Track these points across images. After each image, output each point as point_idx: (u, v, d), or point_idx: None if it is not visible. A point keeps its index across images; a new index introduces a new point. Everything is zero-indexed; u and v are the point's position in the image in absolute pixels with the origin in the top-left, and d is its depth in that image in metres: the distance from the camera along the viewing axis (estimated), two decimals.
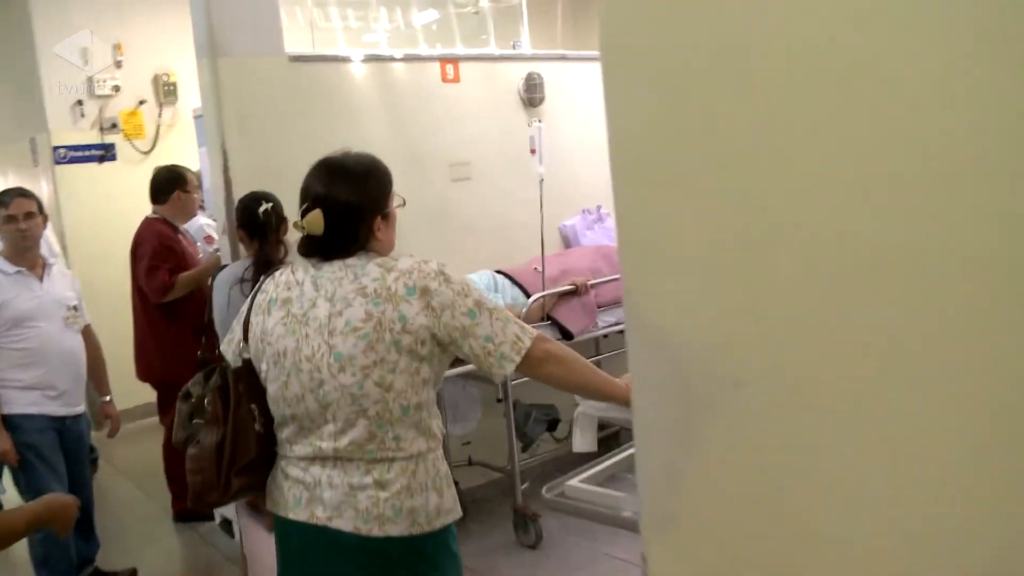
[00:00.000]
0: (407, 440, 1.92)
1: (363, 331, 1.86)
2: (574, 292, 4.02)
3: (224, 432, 2.00)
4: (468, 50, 4.40)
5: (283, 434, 1.98)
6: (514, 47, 4.51)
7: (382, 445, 1.90)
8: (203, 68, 3.64)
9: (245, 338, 2.01)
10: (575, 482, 2.35)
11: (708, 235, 1.05)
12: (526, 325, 2.00)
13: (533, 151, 3.80)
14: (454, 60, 4.23)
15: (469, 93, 4.32)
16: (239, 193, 3.59)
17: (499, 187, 4.40)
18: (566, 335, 3.97)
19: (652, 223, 1.16)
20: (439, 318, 1.89)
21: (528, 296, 3.98)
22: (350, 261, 1.94)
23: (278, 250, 2.97)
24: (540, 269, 4.06)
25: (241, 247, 3.20)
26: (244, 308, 2.07)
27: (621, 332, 3.91)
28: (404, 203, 2.11)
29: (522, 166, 4.43)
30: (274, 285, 2.00)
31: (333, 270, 1.93)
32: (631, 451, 2.51)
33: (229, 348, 2.09)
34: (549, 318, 3.98)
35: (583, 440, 2.33)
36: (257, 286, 2.06)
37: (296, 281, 1.97)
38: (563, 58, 4.70)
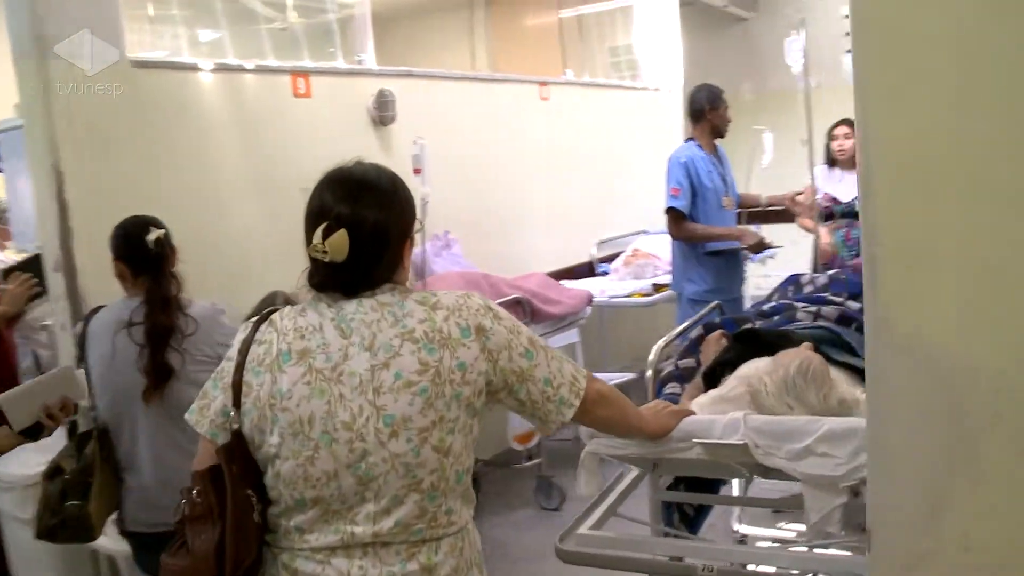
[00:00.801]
0: (457, 512, 1.62)
1: (419, 385, 1.54)
2: None
3: (222, 528, 1.56)
4: (320, 63, 4.02)
5: (291, 522, 1.58)
6: (360, 62, 4.19)
7: (433, 522, 1.58)
8: (24, 70, 3.02)
9: (236, 403, 1.59)
10: (586, 530, 2.16)
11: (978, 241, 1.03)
12: (574, 361, 1.78)
13: (417, 170, 3.53)
14: (305, 74, 3.85)
15: (321, 110, 3.95)
16: (78, 219, 3.02)
17: None
18: None
19: (915, 228, 1.12)
20: (496, 362, 1.61)
21: None
22: (382, 298, 1.60)
23: (172, 285, 2.49)
24: None
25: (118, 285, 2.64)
26: (226, 365, 1.64)
27: None
28: (423, 227, 1.81)
29: None
30: (277, 333, 1.59)
31: (364, 310, 1.58)
32: (626, 484, 2.39)
33: (204, 417, 1.65)
34: None
35: (589, 483, 2.13)
36: (247, 334, 1.63)
37: (313, 326, 1.57)
38: (409, 75, 4.45)
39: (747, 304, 4.59)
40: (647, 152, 6.63)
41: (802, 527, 2.86)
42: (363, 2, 4.28)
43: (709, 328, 2.98)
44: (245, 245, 3.61)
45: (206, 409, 1.65)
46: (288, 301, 3.50)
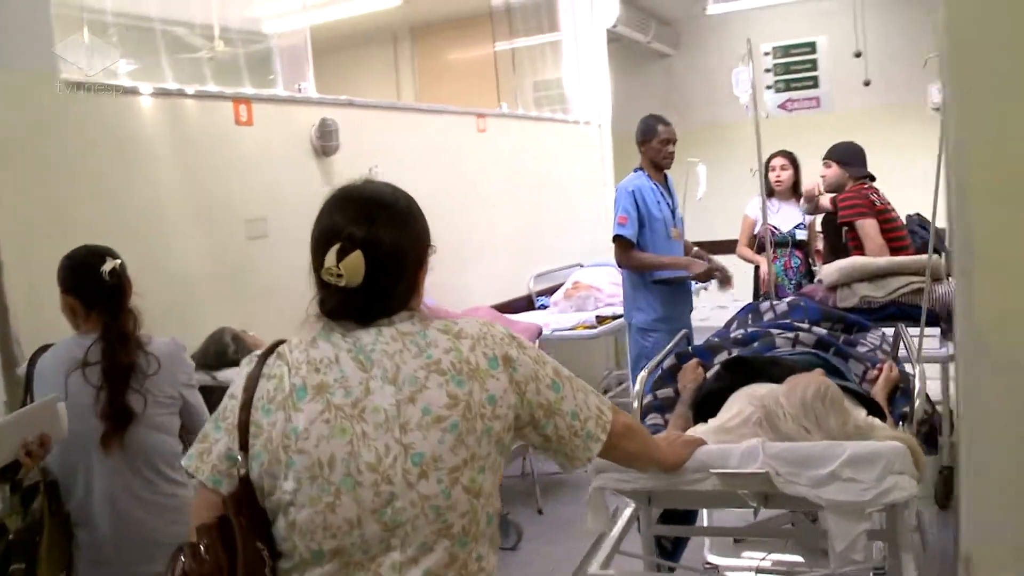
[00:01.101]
0: (486, 559, 1.48)
1: (449, 420, 1.40)
2: None
3: None
4: (261, 90, 3.85)
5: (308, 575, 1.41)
6: (300, 90, 4.04)
7: (464, 570, 1.43)
8: None
9: (243, 446, 1.42)
10: (596, 569, 2.04)
11: None
12: (596, 391, 1.67)
13: None
14: (247, 100, 3.68)
15: (263, 138, 3.78)
16: (8, 252, 2.78)
17: (298, 246, 3.87)
18: None
19: (1013, 244, 1.10)
20: (523, 395, 1.49)
21: None
22: (402, 326, 1.47)
23: (129, 320, 2.28)
24: None
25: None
26: (229, 404, 1.47)
27: None
28: (435, 249, 1.68)
29: None
30: (288, 366, 1.43)
31: (384, 340, 1.44)
32: (626, 520, 2.28)
33: (204, 463, 1.47)
34: None
35: (597, 519, 2.02)
36: (253, 368, 1.46)
37: (328, 358, 1.43)
38: (350, 104, 4.31)
39: (698, 334, 4.57)
40: (578, 185, 6.64)
41: (762, 554, 2.81)
42: (302, 30, 4.14)
43: (681, 357, 2.92)
44: (186, 278, 3.39)
45: (207, 454, 1.47)
46: (236, 338, 3.32)
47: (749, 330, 3.07)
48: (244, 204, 3.66)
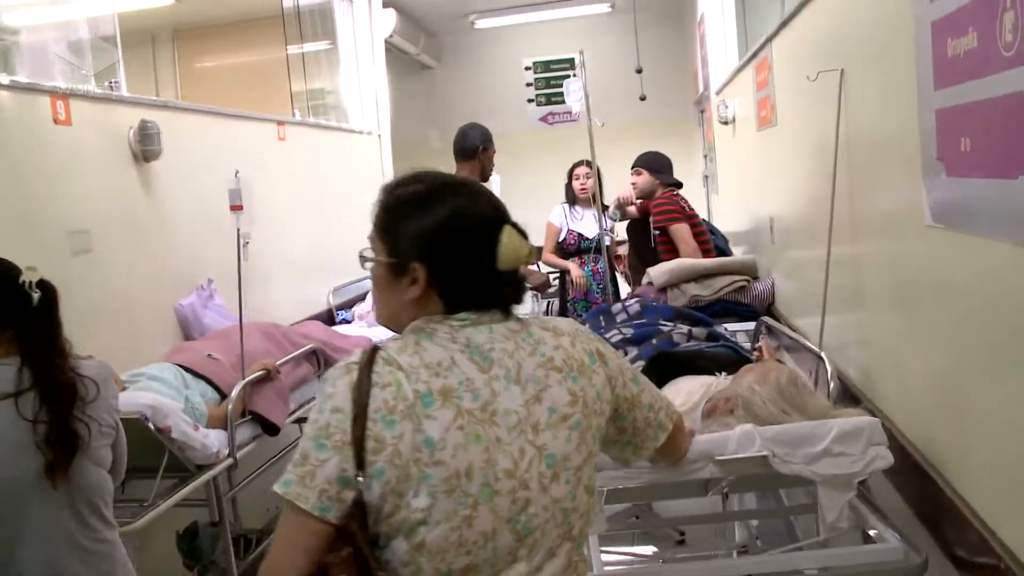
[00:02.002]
0: (584, 558, 1.46)
1: (573, 418, 1.37)
2: (267, 378, 3.37)
3: None
4: (83, 86, 3.41)
5: None
6: (112, 87, 3.62)
7: (575, 572, 1.40)
8: None
9: (360, 464, 1.25)
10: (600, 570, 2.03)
11: None
12: None
13: (236, 207, 3.11)
14: (65, 96, 3.24)
15: (83, 141, 3.34)
16: None
17: (120, 261, 3.48)
18: (270, 430, 3.31)
19: None
20: (614, 388, 1.50)
21: (217, 389, 3.22)
22: (508, 324, 1.41)
23: (60, 339, 1.95)
24: (215, 356, 3.35)
25: None
26: (332, 419, 1.27)
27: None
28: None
29: (139, 235, 3.62)
30: (403, 372, 1.30)
31: (498, 339, 1.37)
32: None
33: (309, 488, 1.26)
34: (248, 412, 3.26)
35: (597, 522, 2.01)
36: (357, 377, 1.30)
37: (443, 360, 1.32)
38: (165, 106, 3.93)
39: None
40: (366, 196, 6.51)
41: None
42: (110, 17, 3.71)
43: None
44: None
45: (310, 477, 1.26)
46: None
47: (638, 327, 3.19)
48: (66, 214, 3.21)
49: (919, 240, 1.95)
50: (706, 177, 7.52)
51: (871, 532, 1.98)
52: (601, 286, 5.30)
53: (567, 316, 5.32)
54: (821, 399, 2.19)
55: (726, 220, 5.87)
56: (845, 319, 2.67)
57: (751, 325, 3.70)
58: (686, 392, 2.39)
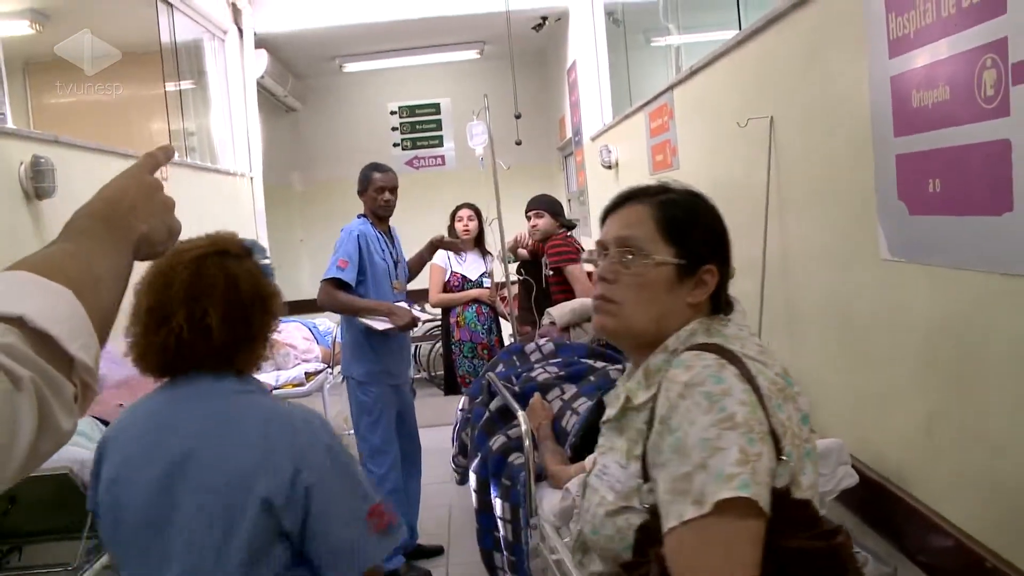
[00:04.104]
0: None
1: None
2: None
3: None
4: None
5: None
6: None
7: None
8: None
9: (779, 451, 1.18)
10: None
11: None
12: None
13: None
14: None
15: None
16: None
17: None
18: None
19: None
20: None
21: None
22: None
23: None
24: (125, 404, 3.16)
25: None
26: (741, 411, 1.17)
27: None
28: None
29: None
30: (752, 361, 1.27)
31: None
32: None
33: (761, 486, 1.14)
34: None
35: None
36: (740, 369, 1.22)
37: (759, 350, 1.32)
38: (56, 142, 3.70)
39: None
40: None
41: None
42: None
43: (520, 397, 3.01)
44: None
45: (756, 474, 1.14)
46: None
47: (569, 366, 3.26)
48: None
49: (872, 271, 2.13)
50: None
51: None
52: (485, 326, 5.35)
53: (452, 359, 5.33)
54: None
55: None
56: (778, 348, 2.84)
57: None
58: None
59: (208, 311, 1.55)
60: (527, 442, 2.60)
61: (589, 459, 2.47)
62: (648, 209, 1.40)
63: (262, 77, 6.88)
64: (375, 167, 4.36)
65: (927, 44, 1.80)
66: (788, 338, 2.75)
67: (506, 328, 5.75)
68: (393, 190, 4.33)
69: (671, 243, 1.36)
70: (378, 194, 4.28)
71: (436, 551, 4.39)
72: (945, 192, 1.79)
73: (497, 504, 2.86)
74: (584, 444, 2.63)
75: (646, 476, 1.25)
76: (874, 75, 2.04)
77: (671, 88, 3.87)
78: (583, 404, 2.81)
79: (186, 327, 1.54)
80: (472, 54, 8.04)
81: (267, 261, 1.72)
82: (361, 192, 4.33)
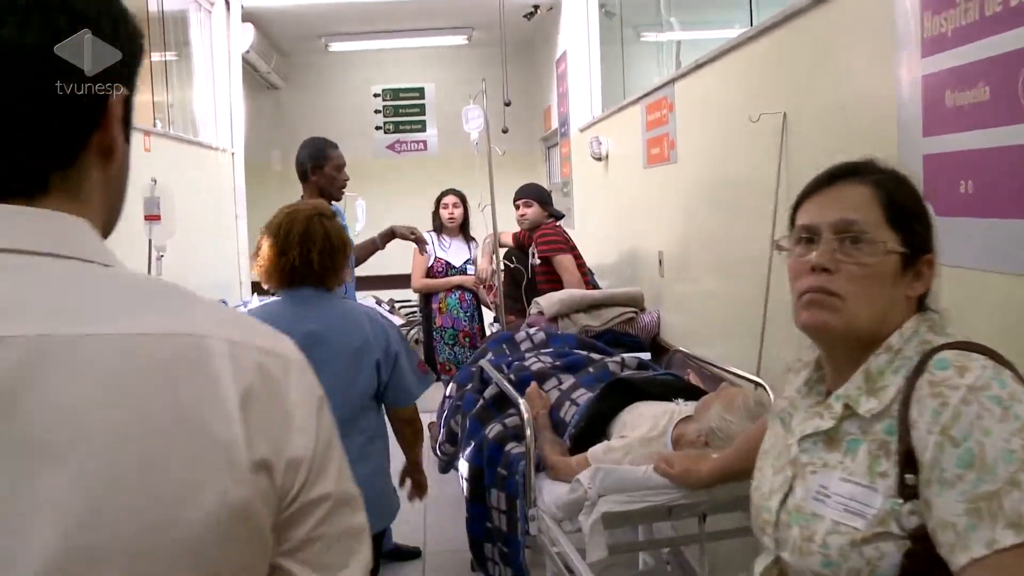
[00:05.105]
0: None
1: None
2: None
3: None
4: None
5: None
6: None
7: None
8: None
9: None
10: None
11: None
12: None
13: (154, 217, 2.87)
14: None
15: None
16: None
17: None
18: None
19: None
20: None
21: None
22: None
23: None
24: None
25: None
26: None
27: None
28: None
29: None
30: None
31: None
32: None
33: None
34: None
35: (599, 547, 2.02)
36: (1011, 372, 1.13)
37: None
38: None
39: None
40: (221, 216, 6.21)
41: None
42: None
43: (518, 385, 2.97)
44: None
45: None
46: None
47: (564, 356, 3.23)
48: None
49: None
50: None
51: None
52: (468, 313, 5.30)
53: (433, 345, 5.28)
54: None
55: (590, 253, 6.05)
56: (786, 352, 2.83)
57: (646, 355, 3.83)
58: (651, 417, 2.45)
59: (311, 250, 2.40)
60: (528, 431, 2.56)
61: (592, 451, 2.46)
62: (870, 189, 1.24)
63: (247, 52, 6.76)
64: (327, 142, 3.94)
65: (967, 43, 1.78)
66: (796, 339, 2.73)
67: (488, 317, 5.72)
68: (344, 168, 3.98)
69: (896, 229, 1.22)
70: (337, 172, 3.91)
71: (414, 553, 4.02)
72: (979, 193, 1.78)
73: (492, 493, 2.82)
74: (584, 436, 2.60)
75: (904, 495, 1.10)
76: (903, 74, 2.02)
77: (672, 81, 3.84)
78: (582, 395, 2.78)
79: (298, 259, 2.38)
80: (460, 39, 7.97)
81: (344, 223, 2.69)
82: (316, 168, 3.86)
